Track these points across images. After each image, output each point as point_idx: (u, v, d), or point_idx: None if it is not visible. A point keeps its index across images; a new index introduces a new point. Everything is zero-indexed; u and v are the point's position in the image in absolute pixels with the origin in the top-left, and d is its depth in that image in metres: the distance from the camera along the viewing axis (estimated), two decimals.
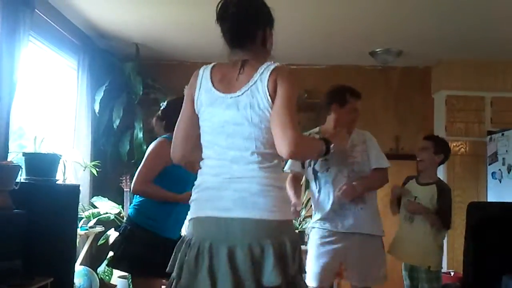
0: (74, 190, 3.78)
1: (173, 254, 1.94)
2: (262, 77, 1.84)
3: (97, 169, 4.82)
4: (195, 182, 1.97)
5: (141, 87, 5.42)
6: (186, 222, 2.13)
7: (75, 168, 4.80)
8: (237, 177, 1.84)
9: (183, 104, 2.02)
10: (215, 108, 1.89)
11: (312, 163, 3.19)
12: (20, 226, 3.17)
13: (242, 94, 1.85)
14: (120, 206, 4.93)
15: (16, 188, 3.19)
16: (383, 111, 5.98)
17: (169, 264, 1.95)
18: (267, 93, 1.82)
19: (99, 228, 4.86)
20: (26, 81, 4.02)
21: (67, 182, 4.19)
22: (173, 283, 1.87)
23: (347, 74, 5.96)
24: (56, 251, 3.43)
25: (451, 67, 5.67)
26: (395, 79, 6.07)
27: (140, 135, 5.36)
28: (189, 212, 1.97)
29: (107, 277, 4.64)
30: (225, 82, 1.91)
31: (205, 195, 1.89)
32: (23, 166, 3.50)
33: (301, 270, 1.91)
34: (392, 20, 4.56)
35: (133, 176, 5.24)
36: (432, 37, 4.97)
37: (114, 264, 2.99)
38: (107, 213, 4.78)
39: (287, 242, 1.80)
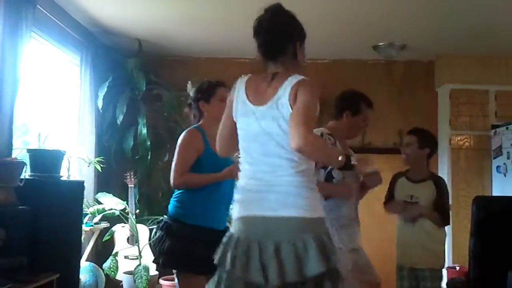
0: (78, 186, 3.78)
1: (222, 248, 2.11)
2: (285, 90, 2.01)
3: (101, 165, 4.82)
4: (237, 184, 2.17)
5: (144, 82, 5.42)
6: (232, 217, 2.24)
7: (79, 165, 4.81)
8: (275, 181, 2.03)
9: (226, 108, 2.21)
10: (249, 118, 2.09)
11: (330, 168, 3.13)
12: (25, 222, 3.17)
13: (268, 108, 2.04)
14: (125, 202, 4.93)
15: (21, 184, 3.19)
16: (387, 105, 5.95)
17: (217, 257, 2.11)
18: (289, 105, 1.98)
19: (104, 224, 4.86)
20: (29, 77, 4.02)
21: (72, 178, 4.19)
22: (224, 275, 2.06)
23: (350, 69, 5.96)
24: (62, 247, 3.42)
25: (455, 61, 5.65)
26: (399, 73, 6.05)
27: (144, 131, 5.36)
28: (234, 212, 2.15)
29: (112, 273, 4.65)
30: (257, 95, 2.09)
31: (249, 197, 2.09)
32: (28, 163, 3.51)
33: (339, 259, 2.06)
34: (395, 14, 4.54)
35: (137, 172, 5.30)
36: (435, 31, 4.95)
37: (155, 260, 2.95)
38: (112, 209, 4.78)
39: (323, 235, 2.00)
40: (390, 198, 3.76)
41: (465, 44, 5.34)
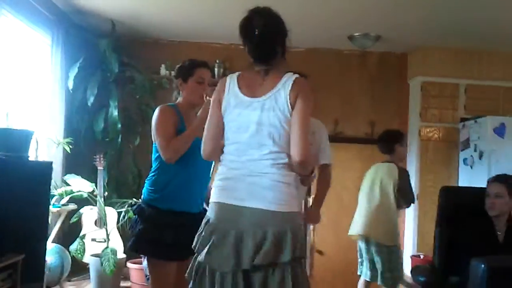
0: (46, 167, 3.71)
1: (198, 232, 2.24)
2: (285, 86, 2.14)
3: (70, 147, 4.75)
4: (218, 171, 2.26)
5: (117, 64, 5.34)
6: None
7: (47, 145, 4.73)
8: (251, 171, 2.14)
9: (211, 108, 2.29)
10: (242, 109, 2.18)
11: None
12: None
13: (267, 98, 2.15)
14: (94, 184, 4.88)
15: None
16: (360, 95, 6.02)
17: (194, 242, 2.22)
18: (288, 100, 2.12)
19: (72, 206, 4.80)
20: None
21: (40, 159, 4.12)
22: (196, 258, 2.20)
23: (325, 58, 5.98)
24: (28, 228, 3.37)
25: (428, 54, 5.73)
26: (373, 64, 6.10)
27: (115, 113, 5.29)
28: (212, 196, 2.23)
29: (79, 255, 4.60)
30: (250, 88, 2.20)
31: (224, 185, 2.19)
32: None
33: (299, 257, 2.12)
34: (371, 4, 4.56)
35: (108, 155, 5.23)
36: (410, 23, 5.00)
37: (130, 246, 2.84)
38: (80, 191, 4.73)
39: (288, 231, 2.07)
40: None
41: (439, 38, 5.41)
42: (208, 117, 2.31)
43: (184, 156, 2.75)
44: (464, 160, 5.47)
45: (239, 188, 2.14)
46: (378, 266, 4.08)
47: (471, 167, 5.33)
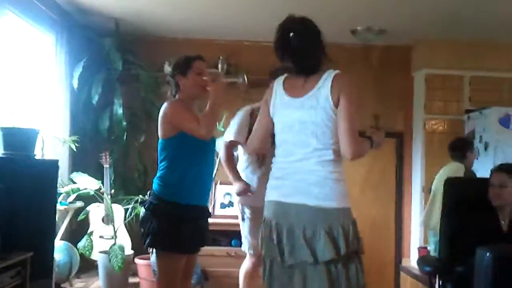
0: (53, 165, 3.74)
1: (261, 235, 2.35)
2: (325, 83, 2.20)
3: (76, 145, 4.78)
4: (270, 173, 2.38)
5: (121, 63, 5.37)
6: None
7: (53, 144, 4.76)
8: (298, 170, 2.22)
9: (261, 110, 2.41)
10: (287, 110, 2.28)
11: None
12: None
13: (308, 97, 2.22)
14: (100, 182, 4.91)
15: None
16: (364, 89, 5.99)
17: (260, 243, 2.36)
18: (330, 98, 2.17)
19: (79, 204, 4.84)
20: (2, 55, 3.95)
21: (46, 157, 4.15)
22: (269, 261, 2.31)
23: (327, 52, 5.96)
24: (36, 226, 3.40)
25: (432, 46, 5.71)
26: (376, 57, 6.08)
27: (120, 111, 5.32)
28: (266, 196, 2.36)
29: (87, 252, 4.63)
30: (294, 89, 2.29)
31: (274, 184, 2.32)
32: (1, 141, 3.47)
33: (353, 252, 2.20)
34: None
35: (114, 152, 5.26)
36: (414, 15, 4.98)
37: (148, 243, 2.87)
38: (86, 188, 4.76)
39: (339, 226, 2.15)
40: None
41: (442, 30, 5.39)
42: (258, 118, 2.44)
43: (194, 150, 2.84)
44: None
45: (286, 186, 2.24)
46: None
47: (477, 158, 5.31)
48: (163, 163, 2.91)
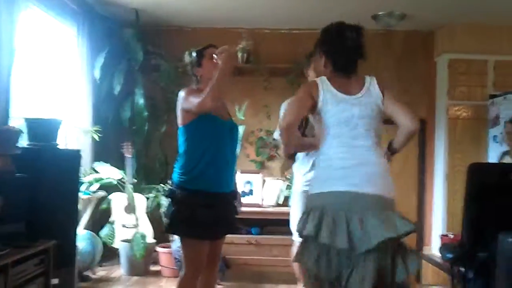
0: (75, 155, 3.81)
1: (302, 218, 2.42)
2: (372, 83, 2.52)
3: (99, 135, 4.83)
4: (318, 163, 2.52)
5: (142, 53, 5.41)
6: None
7: (76, 134, 4.83)
8: (361, 161, 2.38)
9: (301, 93, 2.49)
10: (344, 105, 2.44)
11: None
12: (23, 190, 3.20)
13: (363, 95, 2.47)
14: (122, 171, 4.97)
15: (19, 153, 3.21)
16: (385, 75, 5.92)
17: (299, 226, 2.40)
18: (380, 95, 2.49)
19: (101, 193, 4.90)
20: (26, 47, 4.01)
21: (69, 147, 4.20)
22: (309, 241, 2.37)
23: None
24: (59, 215, 3.47)
25: (454, 31, 5.60)
26: (398, 43, 6.01)
27: (141, 101, 5.37)
28: (314, 187, 2.46)
29: (109, 241, 4.71)
30: (344, 87, 2.48)
31: (337, 174, 2.38)
32: (25, 132, 3.52)
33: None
34: None
35: (135, 142, 5.32)
36: (436, 0, 4.90)
37: (166, 228, 2.95)
38: (109, 178, 4.82)
39: (396, 212, 2.37)
40: None
41: (465, 14, 5.28)
42: (297, 97, 2.51)
43: (209, 137, 2.87)
44: (494, 137, 5.36)
45: (354, 176, 2.35)
46: None
47: (501, 144, 5.23)
48: (180, 151, 2.97)
